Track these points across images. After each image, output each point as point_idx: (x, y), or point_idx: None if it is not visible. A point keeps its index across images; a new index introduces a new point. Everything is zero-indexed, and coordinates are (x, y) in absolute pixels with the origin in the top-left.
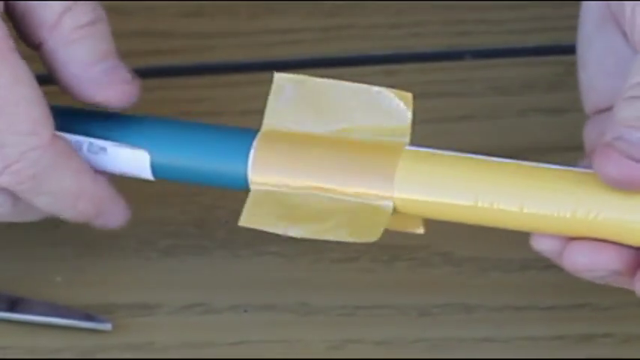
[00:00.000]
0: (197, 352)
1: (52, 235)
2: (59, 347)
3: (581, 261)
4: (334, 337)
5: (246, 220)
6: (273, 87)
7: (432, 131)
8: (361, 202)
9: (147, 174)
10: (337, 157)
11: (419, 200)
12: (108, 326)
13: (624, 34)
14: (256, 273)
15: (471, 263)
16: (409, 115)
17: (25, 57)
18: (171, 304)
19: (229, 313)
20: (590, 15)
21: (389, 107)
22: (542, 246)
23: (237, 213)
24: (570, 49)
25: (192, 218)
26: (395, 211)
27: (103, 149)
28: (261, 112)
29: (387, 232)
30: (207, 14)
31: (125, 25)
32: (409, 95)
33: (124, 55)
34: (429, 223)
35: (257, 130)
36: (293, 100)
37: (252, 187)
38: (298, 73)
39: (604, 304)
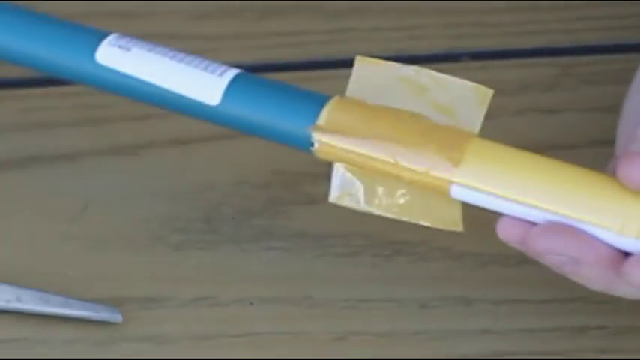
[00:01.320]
0: (205, 344)
1: (64, 230)
2: (71, 338)
3: (542, 244)
4: (337, 329)
5: (335, 199)
6: (355, 68)
7: None
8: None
9: (214, 99)
10: (407, 133)
11: (477, 189)
12: (118, 317)
13: None
14: (262, 267)
15: (469, 258)
16: (484, 108)
17: None
18: (180, 297)
19: (236, 305)
20: (637, 75)
21: (466, 98)
22: (507, 232)
23: (244, 209)
24: (565, 51)
25: (201, 214)
26: (453, 192)
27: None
28: None
29: (388, 228)
30: (213, 17)
31: (132, 27)
32: (490, 91)
33: None
34: None
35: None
36: (373, 80)
37: (317, 150)
38: (302, 74)
39: (597, 297)
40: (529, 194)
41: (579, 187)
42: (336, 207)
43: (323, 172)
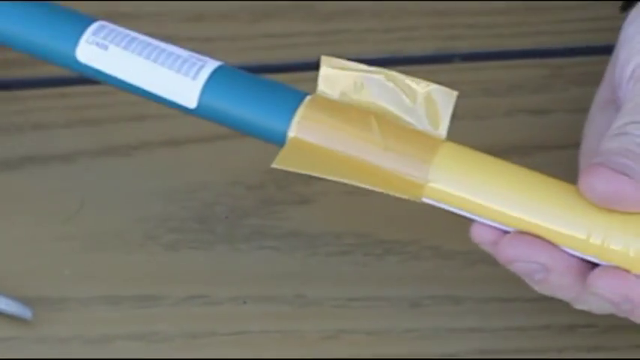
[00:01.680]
0: (198, 342)
1: (59, 229)
2: (66, 337)
3: (512, 252)
4: (329, 327)
5: (278, 163)
6: (321, 69)
7: None
8: (399, 176)
9: (191, 103)
10: (379, 133)
11: (449, 192)
12: (28, 314)
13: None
14: (255, 266)
15: (459, 257)
16: (450, 111)
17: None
18: (173, 296)
19: (229, 304)
20: (597, 97)
21: (431, 101)
22: (481, 236)
23: (237, 209)
24: (555, 53)
25: (194, 214)
26: (424, 195)
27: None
28: None
29: (379, 228)
30: (209, 19)
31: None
32: (454, 93)
33: None
34: (418, 218)
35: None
36: (340, 81)
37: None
38: (295, 75)
39: None
40: (499, 201)
41: (548, 196)
42: (329, 207)
43: None
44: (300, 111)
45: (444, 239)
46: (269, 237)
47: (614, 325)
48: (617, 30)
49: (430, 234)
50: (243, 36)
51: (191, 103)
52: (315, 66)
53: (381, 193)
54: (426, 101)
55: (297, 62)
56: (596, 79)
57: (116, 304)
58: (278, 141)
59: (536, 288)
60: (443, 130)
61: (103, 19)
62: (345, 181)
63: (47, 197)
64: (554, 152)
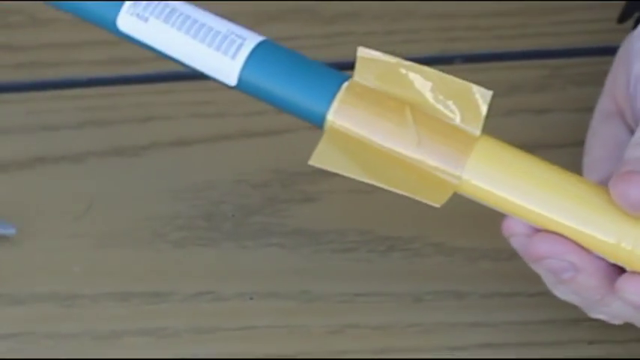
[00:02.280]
0: (206, 337)
1: (70, 228)
2: (75, 333)
3: (545, 248)
4: (334, 322)
5: (315, 160)
6: (358, 59)
7: None
8: (431, 172)
9: (231, 81)
10: (413, 124)
11: (483, 188)
12: (12, 231)
13: (627, 126)
14: (261, 263)
15: (462, 253)
16: (485, 108)
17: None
18: (182, 292)
19: (236, 300)
20: (599, 108)
21: (469, 98)
22: (514, 229)
23: (243, 207)
24: (554, 54)
25: (202, 212)
26: (458, 189)
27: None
28: (264, 114)
29: (383, 225)
30: None
31: None
32: (490, 93)
33: (137, 61)
34: (421, 215)
35: (349, 77)
36: (376, 71)
37: (328, 125)
38: None
39: None
40: (532, 200)
41: (581, 199)
42: (333, 204)
43: (320, 170)
44: (339, 96)
45: (447, 236)
46: (274, 234)
47: None
48: (613, 32)
49: (433, 231)
50: None
51: (231, 81)
52: None
53: (385, 191)
54: (462, 98)
55: None
56: (593, 79)
57: (125, 301)
58: (316, 122)
59: (557, 291)
60: (478, 126)
61: None
62: (379, 183)
63: (58, 196)
64: (553, 150)
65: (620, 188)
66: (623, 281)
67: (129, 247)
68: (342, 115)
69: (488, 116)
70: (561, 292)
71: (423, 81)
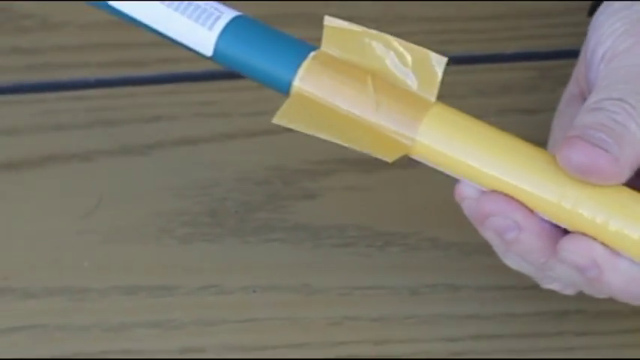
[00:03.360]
0: (211, 329)
1: (79, 224)
2: (87, 325)
3: (491, 206)
4: (334, 314)
5: (279, 118)
6: (325, 28)
7: None
8: (387, 133)
9: (207, 51)
10: (373, 91)
11: (434, 150)
12: None
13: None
14: (264, 257)
15: (456, 247)
16: (440, 75)
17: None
18: (187, 286)
19: (240, 293)
20: (565, 93)
21: (426, 65)
22: (464, 192)
23: (246, 204)
24: (543, 56)
25: (206, 209)
26: (411, 151)
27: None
28: (267, 114)
29: (381, 221)
30: None
31: (142, 37)
32: (444, 59)
33: (141, 63)
34: (417, 211)
35: (316, 48)
36: (342, 40)
37: (294, 90)
38: None
39: None
40: (479, 161)
41: (526, 160)
42: (332, 202)
43: (320, 168)
44: (305, 64)
45: (441, 231)
46: (276, 230)
47: (602, 311)
48: None
49: (429, 226)
50: None
51: (207, 51)
52: None
53: (383, 188)
54: (419, 65)
55: None
56: None
57: (133, 294)
58: (283, 90)
59: (508, 259)
60: (433, 93)
61: (121, 21)
62: (338, 141)
63: (68, 194)
64: (543, 148)
65: (564, 152)
66: (564, 241)
67: (136, 242)
68: (307, 82)
69: (480, 117)
70: (511, 261)
71: (385, 49)
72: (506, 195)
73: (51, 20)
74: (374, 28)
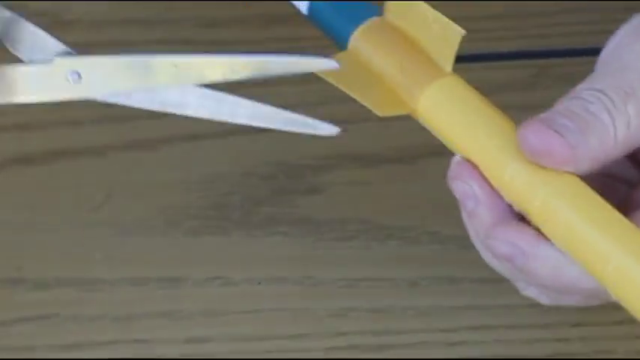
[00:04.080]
0: (217, 319)
1: (90, 217)
2: (97, 315)
3: (457, 169)
4: (336, 305)
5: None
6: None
7: (421, 130)
8: (399, 92)
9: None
10: (401, 56)
11: (431, 116)
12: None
13: None
14: (268, 250)
15: (455, 241)
16: (455, 46)
17: None
18: (194, 277)
19: (245, 285)
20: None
21: (446, 36)
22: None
23: (251, 198)
24: (541, 54)
25: (212, 203)
26: (413, 112)
27: None
28: None
29: (381, 215)
30: (223, 25)
31: (150, 34)
32: (461, 32)
33: None
34: (418, 206)
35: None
36: (400, 11)
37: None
38: (305, 75)
39: None
40: (458, 130)
41: (495, 135)
42: (335, 196)
43: (322, 164)
44: (361, 27)
45: (441, 225)
46: (280, 223)
47: None
48: (596, 34)
49: (428, 220)
50: (255, 40)
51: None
52: None
53: (384, 183)
54: (443, 37)
55: None
56: (578, 78)
57: (142, 285)
58: (342, 44)
59: (482, 251)
60: (449, 63)
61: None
62: (351, 93)
63: (79, 188)
64: None
65: (521, 131)
66: (494, 229)
67: (145, 235)
68: (358, 41)
69: None
70: (485, 255)
71: (426, 21)
72: (472, 164)
73: (63, 18)
74: None
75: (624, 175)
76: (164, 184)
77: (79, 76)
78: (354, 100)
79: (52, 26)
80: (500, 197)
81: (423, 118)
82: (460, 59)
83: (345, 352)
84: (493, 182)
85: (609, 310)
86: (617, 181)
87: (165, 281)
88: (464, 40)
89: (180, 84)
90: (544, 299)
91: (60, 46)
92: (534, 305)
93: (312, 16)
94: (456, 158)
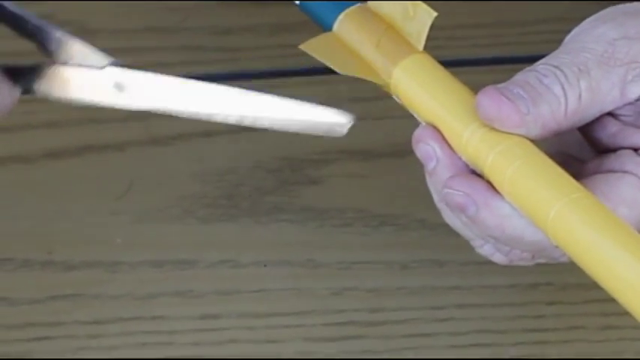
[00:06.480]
0: (227, 298)
1: (112, 206)
2: (119, 294)
3: (420, 132)
4: (335, 285)
5: (306, 46)
6: None
7: (413, 127)
8: (375, 67)
9: None
10: (381, 36)
11: (403, 90)
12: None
13: None
14: (274, 236)
15: (442, 227)
16: (427, 26)
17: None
18: (207, 260)
19: (253, 267)
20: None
21: (419, 17)
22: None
23: (259, 189)
24: (522, 60)
25: (224, 193)
26: (387, 86)
27: None
28: None
29: (376, 204)
30: (235, 32)
31: (168, 41)
32: (433, 13)
33: (168, 65)
34: (408, 196)
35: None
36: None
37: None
38: (307, 78)
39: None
40: (423, 100)
41: (457, 103)
42: (334, 187)
43: (323, 158)
44: (346, 12)
45: (429, 213)
46: (285, 212)
47: (569, 283)
48: None
49: (418, 209)
50: (264, 46)
51: None
52: (322, 71)
53: (378, 175)
54: (417, 18)
55: (307, 68)
56: None
57: (160, 267)
58: (327, 28)
59: (443, 212)
60: (421, 42)
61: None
62: (336, 68)
63: (103, 179)
64: None
65: (478, 96)
66: (448, 180)
67: (162, 222)
68: (341, 24)
69: None
70: (446, 215)
71: (406, 7)
72: (435, 128)
73: (88, 27)
74: None
75: (582, 157)
76: (180, 176)
77: (123, 87)
78: (351, 102)
79: (78, 34)
80: (459, 158)
81: (396, 88)
82: (447, 64)
83: (344, 327)
84: (453, 144)
85: (581, 290)
86: (575, 160)
87: (180, 263)
88: (448, 49)
89: (209, 115)
90: (498, 257)
91: (106, 59)
92: (513, 285)
93: (302, 5)
94: (422, 124)
